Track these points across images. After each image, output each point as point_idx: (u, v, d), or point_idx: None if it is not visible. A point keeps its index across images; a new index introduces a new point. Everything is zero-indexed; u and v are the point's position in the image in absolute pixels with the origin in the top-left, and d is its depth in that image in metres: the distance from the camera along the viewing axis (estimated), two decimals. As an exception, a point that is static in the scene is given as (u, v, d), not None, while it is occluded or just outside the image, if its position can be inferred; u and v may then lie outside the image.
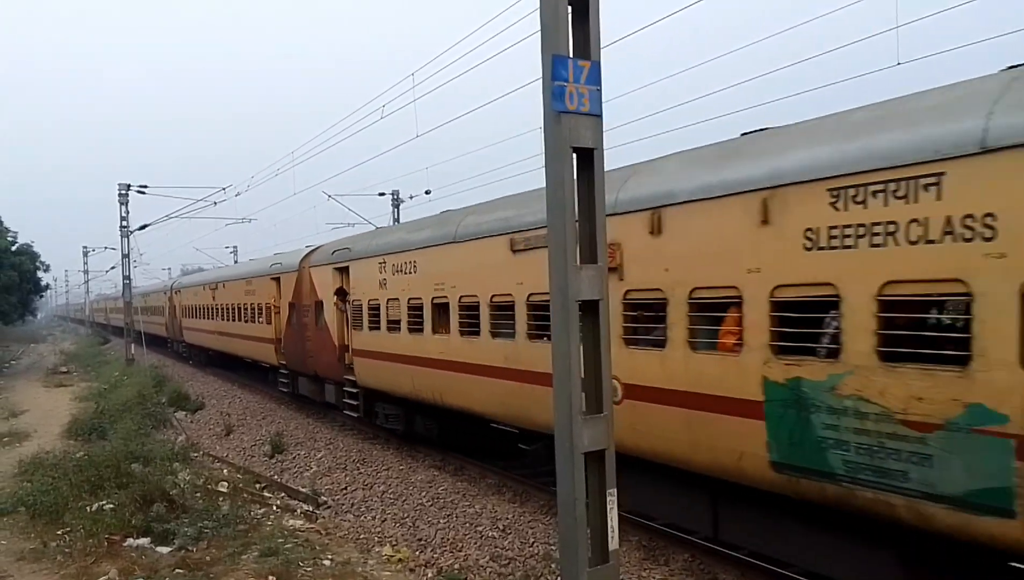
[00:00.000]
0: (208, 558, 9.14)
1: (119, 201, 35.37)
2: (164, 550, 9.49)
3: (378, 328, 15.17)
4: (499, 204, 12.04)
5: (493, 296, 11.06)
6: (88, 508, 10.73)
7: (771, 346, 6.77)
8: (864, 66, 11.71)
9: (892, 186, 5.81)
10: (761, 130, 7.84)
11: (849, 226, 6.10)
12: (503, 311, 10.87)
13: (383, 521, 11.35)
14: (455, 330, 12.13)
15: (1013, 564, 6.63)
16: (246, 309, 25.76)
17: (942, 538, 5.96)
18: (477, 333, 11.48)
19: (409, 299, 13.80)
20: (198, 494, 11.70)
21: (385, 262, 14.85)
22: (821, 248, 6.33)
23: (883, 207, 5.88)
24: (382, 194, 36.25)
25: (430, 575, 9.02)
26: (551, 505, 10.38)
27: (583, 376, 5.15)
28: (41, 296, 59.52)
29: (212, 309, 30.99)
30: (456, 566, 9.18)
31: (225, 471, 14.84)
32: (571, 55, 5.01)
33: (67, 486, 11.57)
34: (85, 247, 68.32)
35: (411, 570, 9.24)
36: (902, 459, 5.82)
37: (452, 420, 13.70)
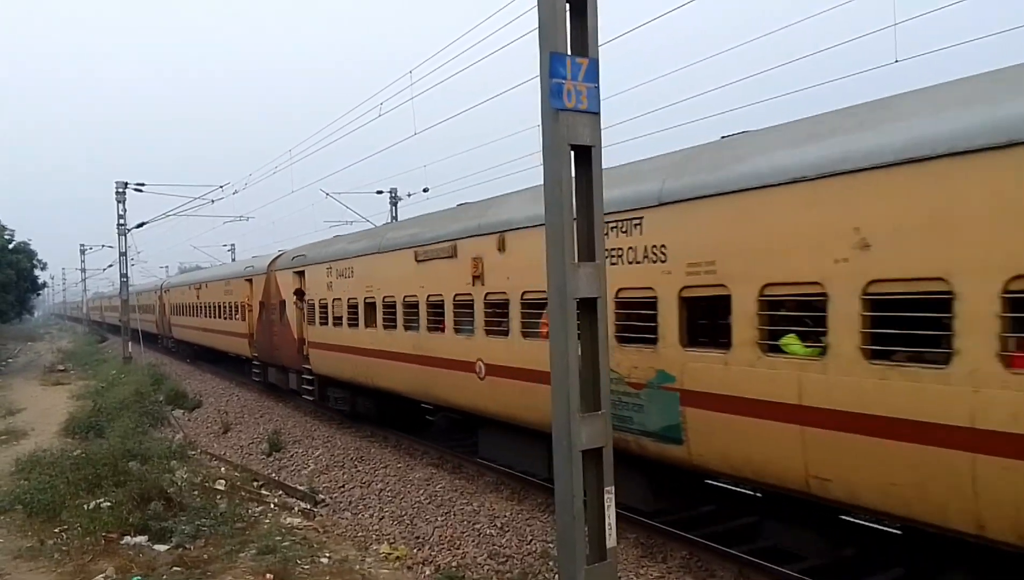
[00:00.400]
0: (206, 556, 9.14)
1: (116, 199, 35.31)
2: (161, 548, 9.49)
3: (327, 323, 17.75)
4: (409, 222, 15.48)
5: (405, 296, 13.67)
6: (85, 506, 10.72)
7: None
8: (862, 64, 11.70)
9: (621, 224, 8.50)
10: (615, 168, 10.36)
11: (606, 249, 8.56)
12: (412, 309, 13.44)
13: (381, 519, 11.35)
14: (380, 324, 14.77)
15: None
16: (225, 307, 28.29)
17: (655, 462, 8.65)
18: (395, 327, 14.15)
19: (348, 299, 16.36)
20: (196, 492, 11.70)
21: (331, 268, 17.44)
22: None
23: (616, 238, 8.53)
24: (380, 192, 36.17)
25: (428, 573, 9.01)
26: (549, 503, 10.39)
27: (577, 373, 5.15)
28: (38, 294, 59.50)
29: (196, 307, 33.57)
30: (454, 564, 9.17)
31: (223, 469, 14.83)
32: (569, 52, 5.01)
33: (64, 484, 11.56)
34: (82, 245, 68.12)
35: (409, 568, 9.23)
36: (629, 409, 8.48)
37: (385, 399, 16.06)
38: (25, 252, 44.08)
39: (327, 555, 9.42)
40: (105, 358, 40.42)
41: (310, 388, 19.52)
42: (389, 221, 32.81)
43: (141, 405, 21.01)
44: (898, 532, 7.62)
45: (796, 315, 6.77)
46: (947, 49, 10.43)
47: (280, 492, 13.17)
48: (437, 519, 10.96)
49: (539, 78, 4.99)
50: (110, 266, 53.84)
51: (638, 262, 8.28)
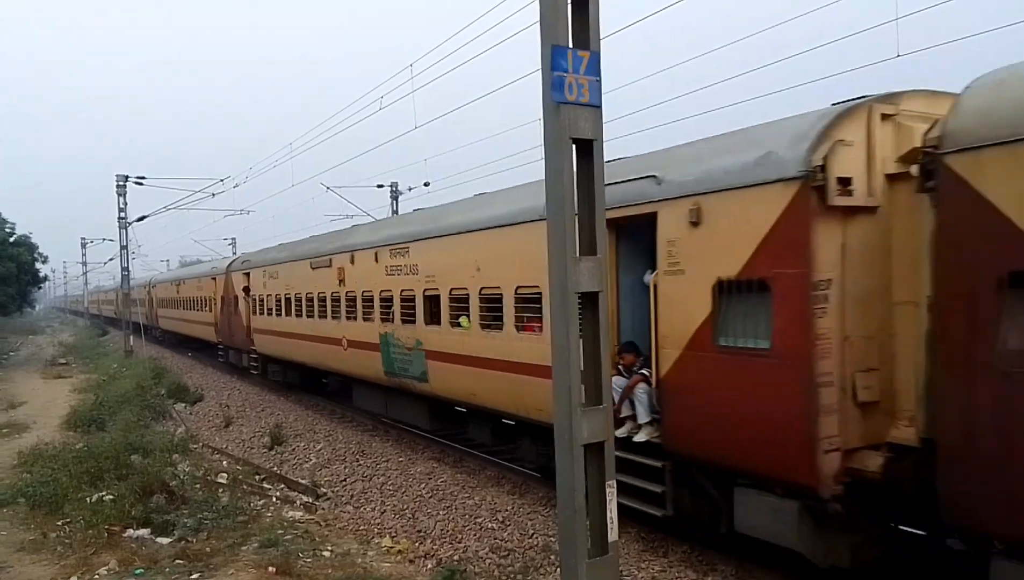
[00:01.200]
0: (208, 549, 9.16)
1: (117, 192, 35.28)
2: (164, 541, 9.52)
3: (264, 314, 23.04)
4: (311, 239, 21.10)
5: (306, 294, 19.13)
6: (88, 499, 10.75)
7: (379, 318, 14.64)
8: (865, 57, 11.64)
9: (400, 250, 13.81)
10: (418, 210, 16.42)
11: (394, 265, 13.93)
12: (310, 303, 18.86)
13: (382, 513, 11.37)
14: (293, 313, 20.20)
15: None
16: (197, 301, 33.60)
17: (421, 395, 13.73)
18: (302, 315, 19.44)
19: (275, 295, 21.87)
20: (198, 485, 11.72)
21: (265, 271, 23.08)
22: (389, 274, 14.15)
23: (399, 258, 13.76)
24: (380, 186, 36.01)
25: (429, 566, 9.03)
26: (550, 497, 10.40)
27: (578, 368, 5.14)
28: (39, 287, 59.38)
29: (177, 301, 39.11)
30: (455, 557, 9.19)
31: (225, 463, 14.87)
32: (571, 45, 4.98)
33: (66, 477, 11.59)
34: (83, 238, 67.97)
35: (410, 561, 9.26)
36: (405, 363, 13.60)
37: (304, 370, 21.38)
38: (26, 245, 43.95)
39: (329, 548, 9.45)
40: (106, 351, 40.48)
41: (255, 365, 24.87)
42: (390, 215, 32.77)
43: (143, 399, 21.03)
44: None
45: (464, 305, 11.65)
46: (949, 44, 10.39)
47: (282, 486, 13.20)
48: (439, 513, 10.98)
49: (540, 71, 4.96)
50: (111, 260, 53.92)
51: (407, 274, 13.40)
